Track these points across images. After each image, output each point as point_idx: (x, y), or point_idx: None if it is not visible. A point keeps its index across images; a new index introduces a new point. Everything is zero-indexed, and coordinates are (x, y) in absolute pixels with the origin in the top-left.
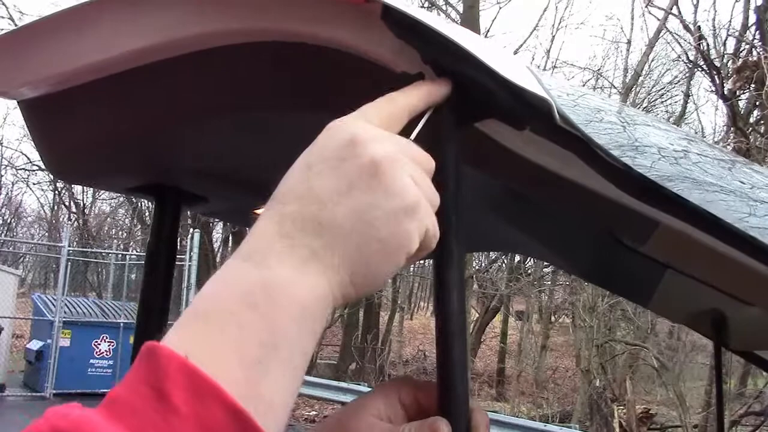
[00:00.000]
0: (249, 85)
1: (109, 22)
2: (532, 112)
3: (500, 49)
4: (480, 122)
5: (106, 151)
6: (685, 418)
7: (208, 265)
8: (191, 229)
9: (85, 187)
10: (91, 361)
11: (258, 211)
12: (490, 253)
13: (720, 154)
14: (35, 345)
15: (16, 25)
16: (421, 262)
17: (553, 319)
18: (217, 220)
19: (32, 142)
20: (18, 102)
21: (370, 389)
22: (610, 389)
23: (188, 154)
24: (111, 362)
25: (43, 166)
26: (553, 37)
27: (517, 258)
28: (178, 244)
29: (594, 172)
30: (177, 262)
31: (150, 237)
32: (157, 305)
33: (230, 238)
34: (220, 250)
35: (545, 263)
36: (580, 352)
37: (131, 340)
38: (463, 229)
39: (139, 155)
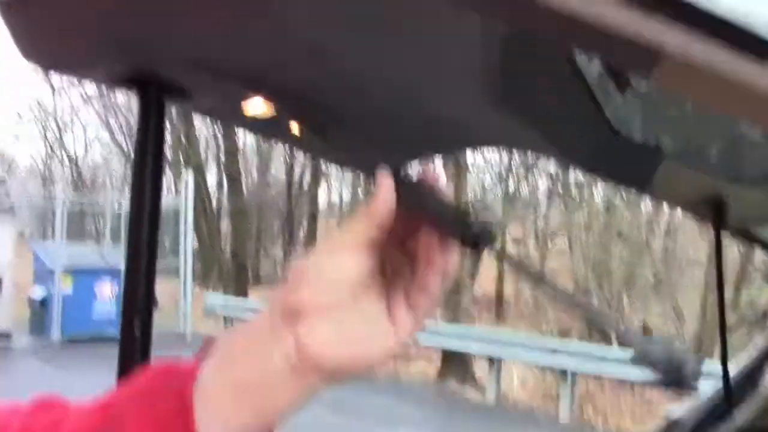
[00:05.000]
0: None
1: None
2: None
3: None
4: None
5: (84, 34)
6: (682, 329)
7: (204, 207)
8: (185, 171)
9: (75, 138)
10: (95, 305)
11: (245, 106)
12: (485, 182)
13: None
14: (38, 293)
15: None
16: None
17: (549, 244)
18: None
19: (5, 24)
20: None
21: None
22: (607, 306)
23: (170, 39)
24: (115, 306)
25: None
26: None
27: (512, 186)
28: (173, 187)
29: None
30: (172, 204)
31: (136, 136)
32: (148, 209)
33: (224, 179)
34: (216, 192)
35: (539, 189)
36: (576, 272)
37: None
38: None
39: (118, 39)
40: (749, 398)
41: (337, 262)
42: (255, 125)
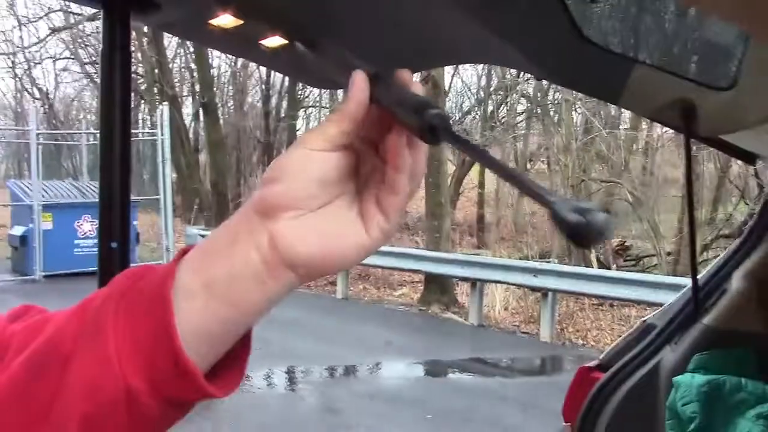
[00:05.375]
0: None
1: None
2: None
3: None
4: None
5: None
6: (659, 248)
7: (180, 139)
8: (160, 104)
9: (45, 71)
10: (76, 241)
11: (215, 22)
12: (463, 104)
13: None
14: (18, 231)
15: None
16: None
17: (528, 166)
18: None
19: None
20: None
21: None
22: None
23: None
24: (96, 241)
25: None
26: None
27: (491, 107)
28: (148, 120)
29: None
30: (149, 138)
31: (102, 54)
32: (119, 129)
33: (200, 111)
34: (192, 124)
35: (518, 112)
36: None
37: None
38: None
39: None
40: (716, 301)
41: (311, 159)
42: (224, 43)
